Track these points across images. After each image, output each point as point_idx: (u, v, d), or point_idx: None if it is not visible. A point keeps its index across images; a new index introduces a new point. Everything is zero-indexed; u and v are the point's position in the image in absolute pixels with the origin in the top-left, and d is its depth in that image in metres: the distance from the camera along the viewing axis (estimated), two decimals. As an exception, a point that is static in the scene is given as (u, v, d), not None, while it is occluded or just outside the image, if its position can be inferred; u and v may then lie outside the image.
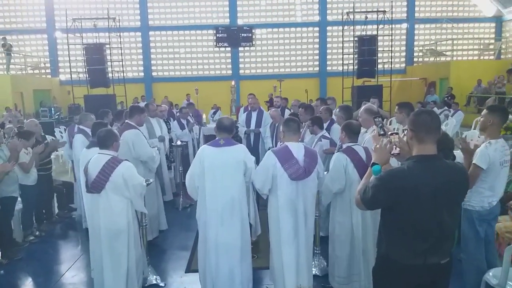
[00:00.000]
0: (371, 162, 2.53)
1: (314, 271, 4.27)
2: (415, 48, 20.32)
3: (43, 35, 19.35)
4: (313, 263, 4.26)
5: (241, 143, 7.27)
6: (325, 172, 3.92)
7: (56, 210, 6.54)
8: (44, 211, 6.10)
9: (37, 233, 5.68)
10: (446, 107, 13.60)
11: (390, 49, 16.29)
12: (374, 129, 3.13)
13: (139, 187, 3.71)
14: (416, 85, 18.63)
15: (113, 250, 3.68)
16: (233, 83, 7.12)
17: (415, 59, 20.62)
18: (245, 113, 7.67)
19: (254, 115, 7.48)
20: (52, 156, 6.82)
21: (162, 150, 6.59)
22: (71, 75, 15.54)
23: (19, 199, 5.28)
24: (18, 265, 4.83)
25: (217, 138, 3.74)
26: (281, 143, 3.80)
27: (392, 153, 2.48)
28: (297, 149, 3.60)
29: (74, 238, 5.78)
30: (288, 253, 3.57)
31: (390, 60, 16.11)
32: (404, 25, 19.56)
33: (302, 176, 3.52)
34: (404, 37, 20.04)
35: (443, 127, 8.64)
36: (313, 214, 3.73)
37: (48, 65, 19.41)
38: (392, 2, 17.38)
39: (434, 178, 2.24)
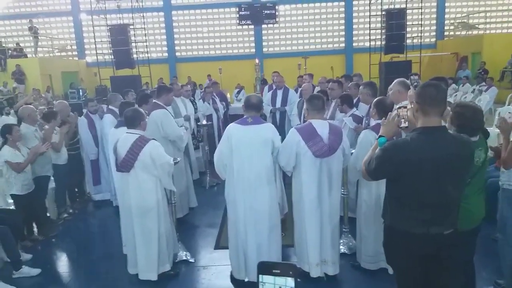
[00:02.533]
0: (378, 135, 2.58)
1: (343, 249, 4.26)
2: (446, 22, 19.50)
3: (68, 18, 19.59)
4: (341, 241, 4.26)
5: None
6: (352, 150, 3.85)
7: (88, 189, 6.71)
8: (76, 189, 6.29)
9: (71, 210, 5.87)
10: (480, 83, 13.09)
11: (419, 23, 15.69)
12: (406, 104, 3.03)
13: (167, 165, 3.75)
14: (447, 60, 17.97)
15: (144, 227, 3.76)
16: (257, 61, 6.99)
17: (446, 33, 19.81)
18: (270, 91, 7.59)
19: (279, 93, 7.39)
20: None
21: (189, 129, 6.63)
22: (97, 56, 15.72)
23: (51, 178, 5.44)
24: (54, 242, 5.02)
25: (245, 116, 3.69)
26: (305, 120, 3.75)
27: (400, 126, 2.53)
28: (321, 126, 3.54)
29: (106, 215, 5.93)
30: (311, 228, 3.58)
31: (419, 35, 15.54)
32: (435, -3, 18.76)
33: (326, 154, 3.47)
34: (434, 10, 19.25)
35: (476, 102, 8.33)
36: (338, 191, 3.69)
37: (74, 47, 19.71)
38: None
39: (437, 149, 2.27)
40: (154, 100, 5.17)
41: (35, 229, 5.11)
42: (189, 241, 4.70)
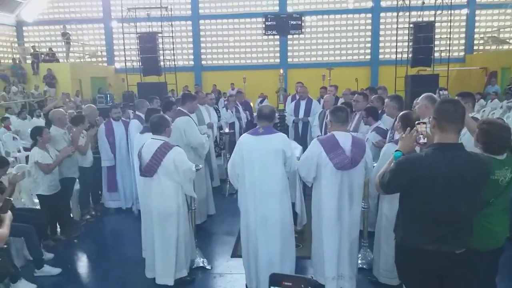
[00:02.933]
0: (395, 149, 2.59)
1: (361, 264, 4.20)
2: (476, 36, 19.08)
3: (99, 25, 20.16)
4: (359, 255, 4.20)
5: (287, 132, 7.32)
6: (374, 163, 3.81)
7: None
8: (100, 192, 6.43)
9: (93, 212, 6.00)
10: (509, 99, 12.73)
11: (448, 36, 15.40)
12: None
13: (189, 172, 3.80)
14: (475, 74, 17.54)
15: (164, 232, 3.81)
16: (281, 71, 7.04)
17: (475, 47, 19.36)
18: (293, 102, 7.60)
19: (302, 104, 7.40)
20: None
21: (211, 137, 6.71)
22: (125, 63, 16.11)
23: (77, 180, 5.59)
24: (75, 242, 5.15)
25: (257, 127, 3.74)
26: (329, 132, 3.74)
27: (418, 142, 2.52)
28: (344, 139, 3.52)
29: (127, 218, 6.03)
30: (329, 241, 3.55)
31: (448, 48, 15.25)
32: (464, 11, 18.37)
33: (348, 166, 3.45)
34: (463, 23, 18.86)
35: (505, 119, 8.09)
36: (358, 204, 3.65)
37: (104, 53, 20.26)
38: (452, -14, 16.35)
39: (451, 166, 2.27)
40: (178, 108, 5.27)
41: (58, 229, 5.24)
42: (207, 248, 4.73)
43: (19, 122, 10.37)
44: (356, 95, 5.96)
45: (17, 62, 16.54)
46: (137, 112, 5.87)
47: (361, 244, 4.31)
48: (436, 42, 15.26)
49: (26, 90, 14.86)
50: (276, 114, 6.76)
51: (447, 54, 15.09)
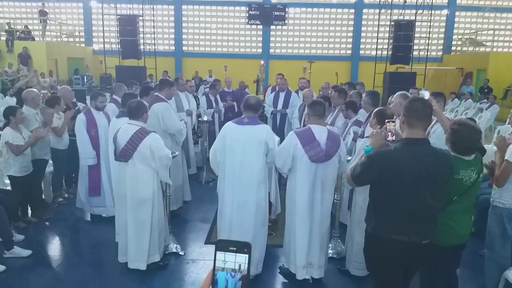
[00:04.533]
0: (367, 145, 2.75)
1: (331, 253, 4.31)
2: (454, 37, 19.55)
3: (78, 4, 19.60)
4: (330, 245, 4.31)
5: (266, 122, 7.36)
6: (349, 157, 3.90)
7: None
8: (73, 174, 6.32)
9: (66, 195, 5.91)
10: (482, 100, 13.14)
11: (427, 35, 15.70)
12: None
13: (165, 158, 3.80)
14: (452, 74, 18.01)
15: (137, 217, 3.81)
16: (262, 62, 7.05)
17: (453, 48, 19.86)
18: (273, 93, 7.63)
19: (282, 95, 7.44)
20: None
21: (189, 124, 6.69)
22: (104, 45, 15.77)
23: (50, 162, 5.49)
24: (47, 225, 5.07)
25: (242, 116, 3.76)
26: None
27: (387, 139, 2.66)
28: (320, 132, 3.59)
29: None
30: (300, 231, 3.63)
31: (426, 47, 15.56)
32: (445, 12, 18.77)
33: (322, 159, 3.52)
34: (443, 24, 19.28)
35: (477, 119, 8.36)
36: (330, 196, 3.74)
37: (82, 34, 19.74)
38: (433, -14, 16.62)
39: (418, 160, 2.41)
40: (155, 93, 5.22)
41: (29, 211, 5.15)
42: (181, 234, 4.75)
43: (-10, 100, 10.05)
44: (332, 92, 6.06)
45: (-9, 38, 15.95)
46: (114, 96, 5.74)
47: (332, 234, 4.42)
48: (416, 41, 15.53)
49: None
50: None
51: (426, 53, 15.40)
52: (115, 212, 4.19)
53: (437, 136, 3.62)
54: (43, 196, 5.51)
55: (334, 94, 5.83)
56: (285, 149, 3.63)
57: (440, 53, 19.60)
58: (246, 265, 0.92)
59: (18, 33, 16.49)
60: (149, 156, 3.72)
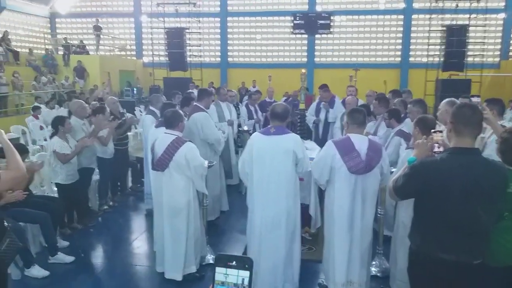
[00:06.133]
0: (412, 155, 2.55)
1: (375, 271, 4.08)
2: (512, 41, 18.34)
3: (130, 19, 20.49)
4: (373, 263, 4.08)
5: (308, 133, 7.21)
6: (393, 168, 3.68)
7: (130, 184, 6.94)
8: (119, 183, 6.51)
9: (111, 203, 6.09)
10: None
11: (482, 41, 14.86)
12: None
13: (200, 168, 3.78)
14: (510, 81, 16.86)
15: (173, 227, 3.81)
16: (303, 70, 6.94)
17: (511, 54, 18.62)
18: (315, 102, 7.47)
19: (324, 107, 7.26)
20: (131, 133, 7.27)
21: (231, 134, 6.68)
22: (153, 57, 16.36)
23: (96, 170, 5.67)
24: (91, 232, 5.22)
25: (269, 126, 3.68)
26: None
27: (434, 151, 2.46)
28: (360, 142, 3.41)
29: (144, 211, 6.08)
30: (339, 246, 3.45)
31: (481, 53, 14.72)
32: (501, 15, 17.68)
33: (362, 170, 3.34)
34: (500, 28, 18.14)
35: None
36: (372, 210, 3.53)
37: (133, 47, 20.61)
38: (488, -12, 15.76)
39: (467, 171, 2.22)
40: (195, 103, 5.26)
41: (76, 218, 5.32)
42: (218, 245, 4.71)
43: (47, 112, 10.66)
44: (373, 100, 5.82)
45: (49, 53, 17.02)
46: (151, 107, 5.84)
47: (376, 251, 4.19)
48: (470, 47, 14.79)
49: (56, 81, 15.26)
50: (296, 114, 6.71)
51: (481, 59, 14.57)
52: (154, 221, 4.23)
53: (494, 148, 3.33)
54: (89, 204, 5.69)
55: (374, 102, 5.61)
56: (322, 159, 3.49)
57: (497, 59, 18.42)
58: (248, 280, 0.90)
59: (74, 47, 17.50)
60: (185, 165, 3.72)
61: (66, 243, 4.66)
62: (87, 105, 5.70)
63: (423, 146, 2.57)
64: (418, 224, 2.42)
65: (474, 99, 3.32)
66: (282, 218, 3.57)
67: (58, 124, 4.88)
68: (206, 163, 3.92)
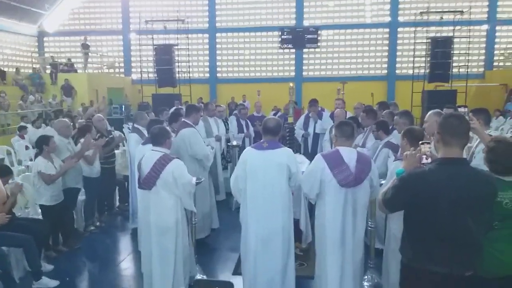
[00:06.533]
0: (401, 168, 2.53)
1: (367, 286, 4.02)
2: (496, 52, 18.69)
3: (118, 36, 20.51)
4: (365, 277, 4.02)
5: (296, 146, 7.17)
6: (382, 181, 3.65)
7: (117, 203, 6.81)
8: (106, 202, 6.38)
9: (98, 223, 5.95)
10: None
11: (466, 52, 15.14)
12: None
13: (188, 185, 3.70)
14: (495, 91, 17.12)
15: (161, 246, 3.70)
16: (291, 84, 6.96)
17: (495, 64, 18.97)
18: (303, 115, 7.48)
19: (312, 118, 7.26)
20: (118, 151, 7.17)
21: (218, 149, 6.64)
22: (141, 74, 16.35)
23: (82, 190, 5.55)
24: (77, 254, 5.07)
25: (261, 140, 3.65)
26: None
27: (422, 162, 2.44)
28: (348, 154, 3.39)
29: (132, 230, 5.96)
30: (332, 263, 3.39)
31: (466, 64, 14.98)
32: (484, 27, 18.07)
33: (352, 183, 3.30)
34: (483, 39, 18.51)
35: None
36: (363, 224, 3.49)
37: (122, 64, 20.59)
38: (471, 2, 16.13)
39: (456, 181, 2.19)
40: (183, 119, 5.21)
41: (61, 240, 5.18)
42: (208, 264, 4.61)
43: (33, 131, 10.50)
44: (361, 113, 5.84)
45: (37, 71, 16.89)
46: (135, 125, 5.75)
47: (368, 265, 4.13)
48: (455, 58, 15.06)
49: (44, 100, 15.12)
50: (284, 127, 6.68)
51: (466, 70, 14.82)
52: (141, 241, 4.12)
53: (482, 157, 3.33)
54: (75, 225, 5.55)
55: (362, 115, 5.63)
56: (312, 173, 3.45)
57: (482, 69, 18.76)
58: None
59: (61, 66, 17.41)
60: (172, 182, 3.64)
61: (50, 267, 4.51)
62: (71, 123, 5.59)
63: (411, 157, 2.55)
64: (409, 237, 2.38)
65: (461, 109, 3.32)
66: (278, 233, 3.52)
67: (42, 144, 4.78)
68: (194, 180, 3.85)
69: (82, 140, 5.44)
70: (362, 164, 3.38)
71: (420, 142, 2.56)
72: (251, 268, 3.57)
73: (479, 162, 3.15)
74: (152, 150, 3.79)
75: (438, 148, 2.36)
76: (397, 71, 19.05)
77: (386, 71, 19.25)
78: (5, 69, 16.12)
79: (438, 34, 15.23)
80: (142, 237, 4.05)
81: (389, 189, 2.40)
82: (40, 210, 4.94)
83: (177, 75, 15.79)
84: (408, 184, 2.29)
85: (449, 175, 2.21)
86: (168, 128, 4.03)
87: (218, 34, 20.01)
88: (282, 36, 18.94)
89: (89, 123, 5.92)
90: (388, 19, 18.99)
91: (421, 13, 15.13)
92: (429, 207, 2.22)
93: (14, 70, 16.32)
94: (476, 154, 3.57)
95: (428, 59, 14.71)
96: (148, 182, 3.69)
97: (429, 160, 2.45)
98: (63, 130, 5.20)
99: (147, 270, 3.85)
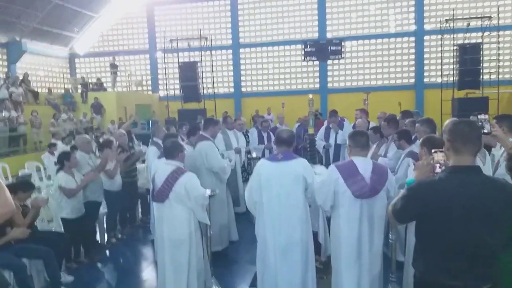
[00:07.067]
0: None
1: (388, 301, 3.85)
2: (529, 56, 17.97)
3: (145, 56, 21.13)
4: (387, 291, 3.86)
5: (317, 157, 7.10)
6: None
7: (140, 216, 6.89)
8: (128, 215, 6.47)
9: (120, 236, 6.03)
10: None
11: (497, 58, 14.64)
12: None
13: (201, 198, 3.70)
14: (529, 97, 16.44)
15: (175, 260, 3.71)
16: (310, 96, 6.93)
17: (529, 69, 18.22)
18: (324, 126, 7.39)
19: (333, 128, 7.16)
20: (142, 165, 7.29)
21: (238, 162, 6.63)
22: (167, 91, 16.73)
23: (104, 203, 5.65)
24: (97, 266, 5.15)
25: (275, 152, 3.60)
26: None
27: (435, 171, 2.32)
28: (363, 165, 3.29)
29: (152, 242, 5.99)
30: (348, 276, 3.28)
31: (497, 70, 14.48)
32: (516, 31, 17.45)
33: (367, 194, 3.20)
34: (515, 44, 17.86)
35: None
36: (380, 236, 3.36)
37: (149, 82, 21.14)
38: (498, 7, 15.64)
39: (468, 190, 2.08)
40: (201, 132, 5.25)
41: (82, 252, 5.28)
42: (225, 277, 4.56)
43: (63, 147, 10.84)
44: (382, 122, 5.71)
45: (69, 91, 17.56)
46: (154, 139, 5.87)
47: (389, 279, 3.97)
48: (486, 64, 14.58)
49: (75, 118, 15.66)
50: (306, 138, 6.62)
51: (497, 76, 14.33)
52: (157, 254, 4.13)
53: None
54: (97, 237, 5.65)
55: (383, 124, 5.48)
56: (326, 184, 3.38)
57: (515, 75, 18.06)
58: None
59: (91, 85, 18.03)
60: (185, 195, 3.65)
61: (70, 278, 4.60)
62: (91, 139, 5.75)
63: (424, 167, 2.46)
64: (421, 250, 2.27)
65: (481, 116, 3.18)
66: (296, 245, 3.45)
67: (63, 159, 4.93)
68: (207, 192, 3.84)
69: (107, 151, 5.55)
70: (377, 175, 3.28)
71: (433, 150, 2.44)
72: (271, 281, 3.49)
73: (503, 171, 2.99)
74: (166, 163, 3.83)
75: (449, 157, 2.24)
76: (425, 80, 18.61)
77: (413, 80, 18.84)
78: (38, 90, 16.81)
79: (467, 41, 14.84)
80: (157, 249, 4.05)
81: (398, 199, 2.30)
82: (61, 223, 5.06)
83: (201, 90, 16.05)
84: (417, 194, 2.19)
85: (460, 183, 2.09)
86: (182, 141, 4.05)
87: (242, 50, 20.25)
88: (305, 49, 18.91)
89: (108, 139, 6.05)
90: (413, 27, 18.67)
91: (447, 20, 14.78)
92: (440, 218, 2.11)
93: (47, 91, 17.01)
94: (501, 163, 3.40)
95: (457, 66, 14.32)
96: (161, 195, 3.71)
97: (442, 169, 2.34)
98: (84, 146, 5.34)
99: (161, 282, 3.85)
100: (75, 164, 4.99)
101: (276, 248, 3.46)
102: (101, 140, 8.01)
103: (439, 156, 2.37)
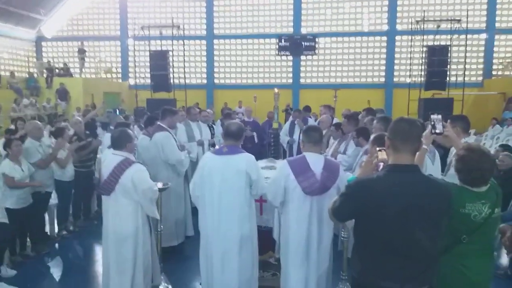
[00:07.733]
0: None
1: (338, 299, 3.83)
2: (495, 60, 18.52)
3: (116, 42, 20.51)
4: (337, 290, 3.84)
5: (281, 152, 7.05)
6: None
7: (96, 207, 6.66)
8: (82, 207, 6.23)
9: (71, 228, 5.79)
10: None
11: (464, 60, 15.01)
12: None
13: (149, 191, 3.54)
14: (493, 100, 16.92)
15: (119, 255, 3.54)
16: (276, 90, 6.86)
17: (494, 72, 18.78)
18: (288, 121, 7.35)
19: (297, 124, 7.13)
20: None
21: (201, 154, 6.49)
22: (135, 79, 16.37)
23: (54, 194, 5.42)
24: (44, 260, 4.92)
25: (222, 145, 3.49)
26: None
27: (378, 170, 2.28)
28: (315, 161, 3.22)
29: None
30: (295, 277, 3.21)
31: (463, 72, 14.85)
32: (483, 36, 17.92)
33: (317, 191, 3.14)
34: (482, 48, 18.35)
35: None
36: (329, 234, 3.31)
37: (119, 70, 20.58)
38: (468, 11, 16.02)
39: (405, 189, 2.04)
40: (158, 122, 5.08)
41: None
42: (176, 273, 4.44)
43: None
44: (343, 119, 5.71)
45: (34, 76, 16.86)
46: (111, 127, 5.68)
47: (340, 277, 3.95)
48: (453, 66, 14.91)
49: (38, 103, 15.06)
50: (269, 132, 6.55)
51: (463, 78, 14.70)
52: (102, 249, 3.97)
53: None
54: (46, 229, 5.40)
55: (344, 121, 5.48)
56: (276, 180, 3.29)
57: (480, 78, 18.57)
58: None
59: (57, 70, 17.37)
60: (131, 188, 3.48)
61: (13, 272, 4.37)
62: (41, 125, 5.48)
63: (367, 165, 2.43)
64: (358, 249, 2.23)
65: (434, 116, 3.17)
66: (234, 244, 3.34)
67: (5, 147, 4.66)
68: (157, 185, 3.70)
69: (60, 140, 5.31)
70: (328, 172, 3.22)
71: (378, 149, 2.40)
72: (208, 277, 3.41)
73: (454, 172, 2.98)
74: (113, 154, 3.65)
75: (388, 155, 2.21)
76: (394, 79, 18.90)
77: (383, 79, 19.11)
78: (1, 73, 16.07)
79: (436, 43, 15.14)
80: (103, 245, 3.89)
81: (337, 197, 2.27)
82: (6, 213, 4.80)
83: (172, 80, 15.75)
84: (355, 192, 2.16)
85: (398, 182, 2.06)
86: (130, 131, 3.86)
87: (215, 41, 19.97)
88: (280, 43, 18.87)
89: (61, 127, 5.79)
90: (386, 27, 18.89)
91: (418, 21, 15.03)
92: (376, 216, 2.07)
93: (9, 74, 16.29)
94: (453, 164, 3.41)
95: (425, 67, 14.60)
96: (106, 187, 3.54)
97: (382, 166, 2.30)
98: (34, 132, 5.07)
99: (106, 278, 3.69)
100: (17, 152, 4.67)
101: (214, 244, 3.37)
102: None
103: (383, 154, 2.32)
